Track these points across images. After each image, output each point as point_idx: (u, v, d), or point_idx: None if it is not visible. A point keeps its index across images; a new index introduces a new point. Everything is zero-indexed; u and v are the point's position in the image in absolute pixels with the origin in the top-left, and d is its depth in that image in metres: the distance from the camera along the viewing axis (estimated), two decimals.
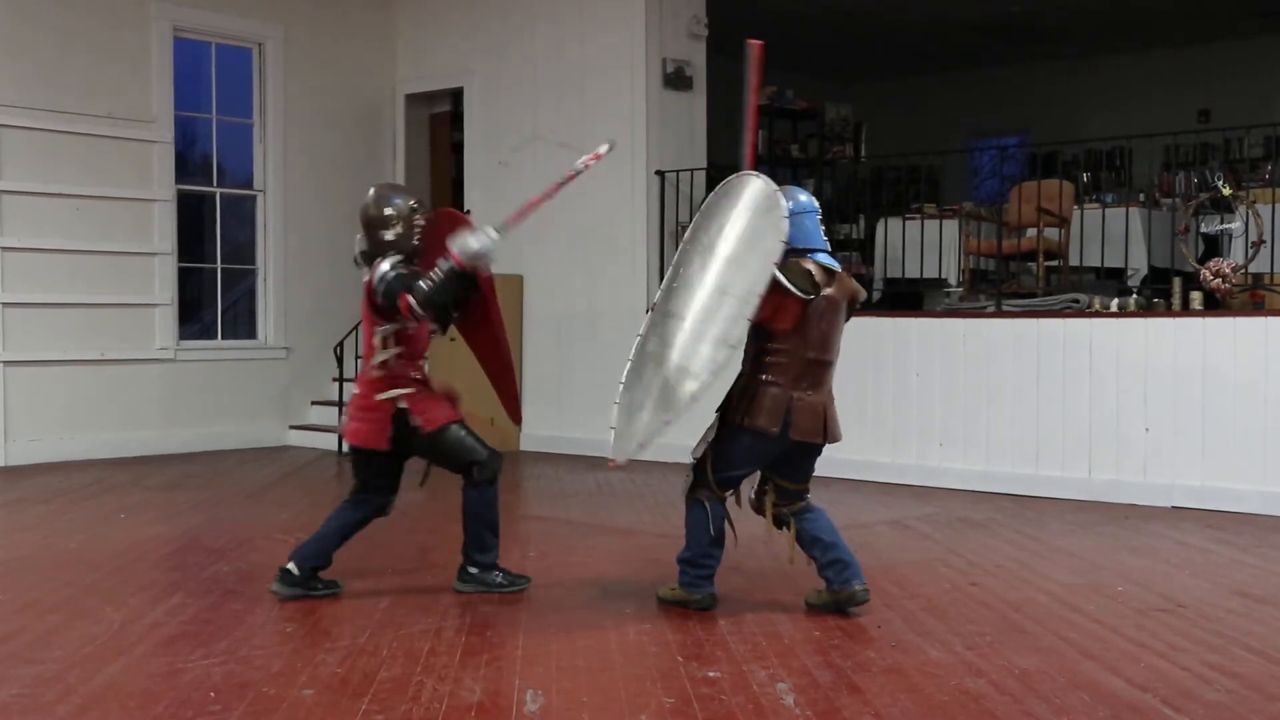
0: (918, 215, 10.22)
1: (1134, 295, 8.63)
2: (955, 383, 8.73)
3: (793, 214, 5.05)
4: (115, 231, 10.30)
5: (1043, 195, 9.44)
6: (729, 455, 5.22)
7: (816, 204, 5.27)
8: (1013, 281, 9.76)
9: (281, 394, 11.27)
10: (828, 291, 5.10)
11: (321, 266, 11.42)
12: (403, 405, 5.32)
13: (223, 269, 11.33)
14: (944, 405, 8.77)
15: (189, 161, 11.67)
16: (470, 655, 4.54)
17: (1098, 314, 8.36)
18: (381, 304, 5.24)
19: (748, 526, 7.30)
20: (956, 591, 5.61)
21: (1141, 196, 10.93)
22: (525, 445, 10.86)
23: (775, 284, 4.91)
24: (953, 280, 9.80)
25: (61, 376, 9.99)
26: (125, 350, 10.32)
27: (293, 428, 11.29)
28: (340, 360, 10.96)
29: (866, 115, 14.20)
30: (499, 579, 5.52)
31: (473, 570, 5.51)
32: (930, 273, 9.74)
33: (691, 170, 10.45)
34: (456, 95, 11.92)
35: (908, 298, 10.12)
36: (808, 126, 13.48)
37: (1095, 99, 15.11)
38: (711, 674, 4.32)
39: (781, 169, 12.69)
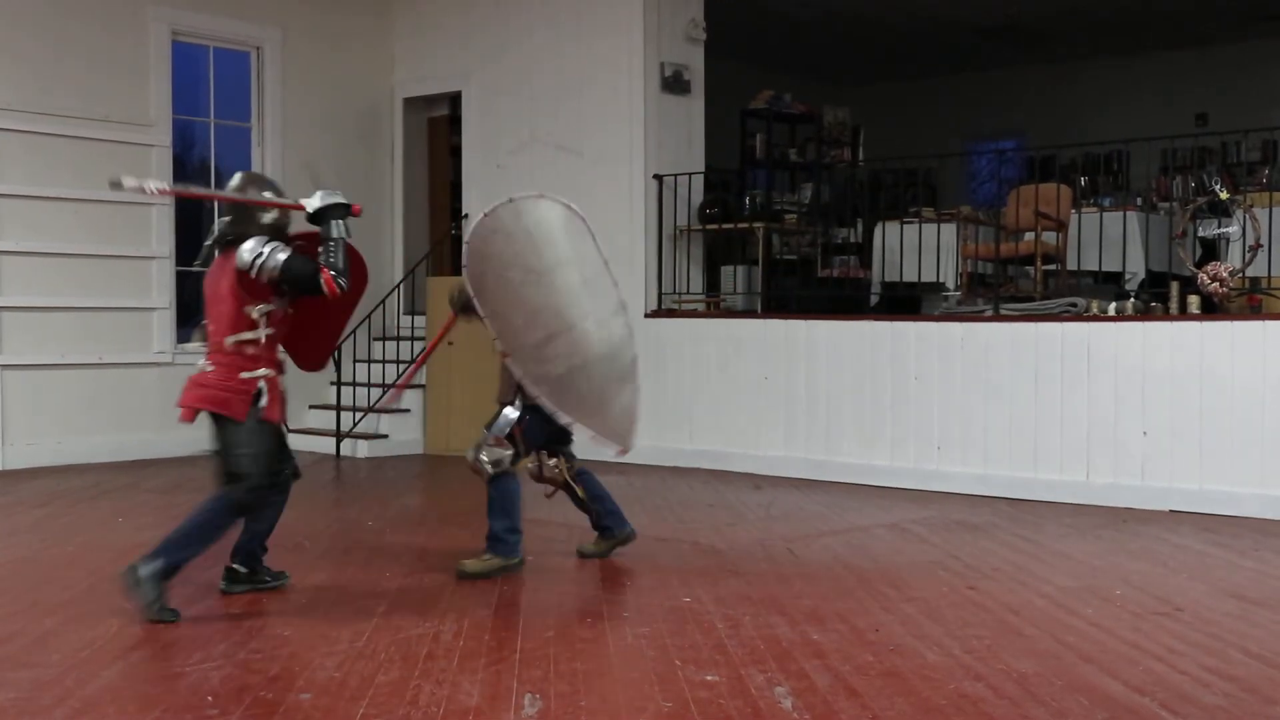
0: (915, 219, 10.22)
1: (1131, 299, 8.63)
2: (953, 386, 8.73)
3: None
4: (113, 235, 10.30)
5: (1040, 199, 9.44)
6: (532, 429, 5.96)
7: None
8: (1010, 285, 9.77)
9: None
10: None
11: None
12: (262, 386, 5.30)
13: None
14: (942, 409, 8.77)
15: (187, 165, 11.67)
16: (468, 659, 4.54)
17: (1095, 318, 8.37)
18: (280, 284, 5.22)
19: (746, 531, 7.31)
20: (954, 595, 5.61)
21: (1139, 200, 10.94)
22: None
23: None
24: (951, 284, 9.81)
25: (59, 380, 9.99)
26: (123, 354, 10.32)
27: (290, 431, 11.26)
28: (338, 364, 10.95)
29: (864, 119, 14.21)
30: (153, 596, 4.99)
31: (148, 570, 5.00)
32: (928, 276, 9.75)
33: (690, 174, 10.46)
34: (454, 99, 11.93)
35: (906, 301, 10.12)
36: (805, 130, 13.49)
37: (1093, 102, 15.14)
38: (709, 678, 4.32)
39: (779, 172, 12.70)
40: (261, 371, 5.34)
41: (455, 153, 11.97)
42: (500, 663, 4.51)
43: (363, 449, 10.77)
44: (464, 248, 5.63)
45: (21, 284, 9.83)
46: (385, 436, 10.89)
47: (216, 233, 5.43)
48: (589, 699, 4.11)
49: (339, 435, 10.82)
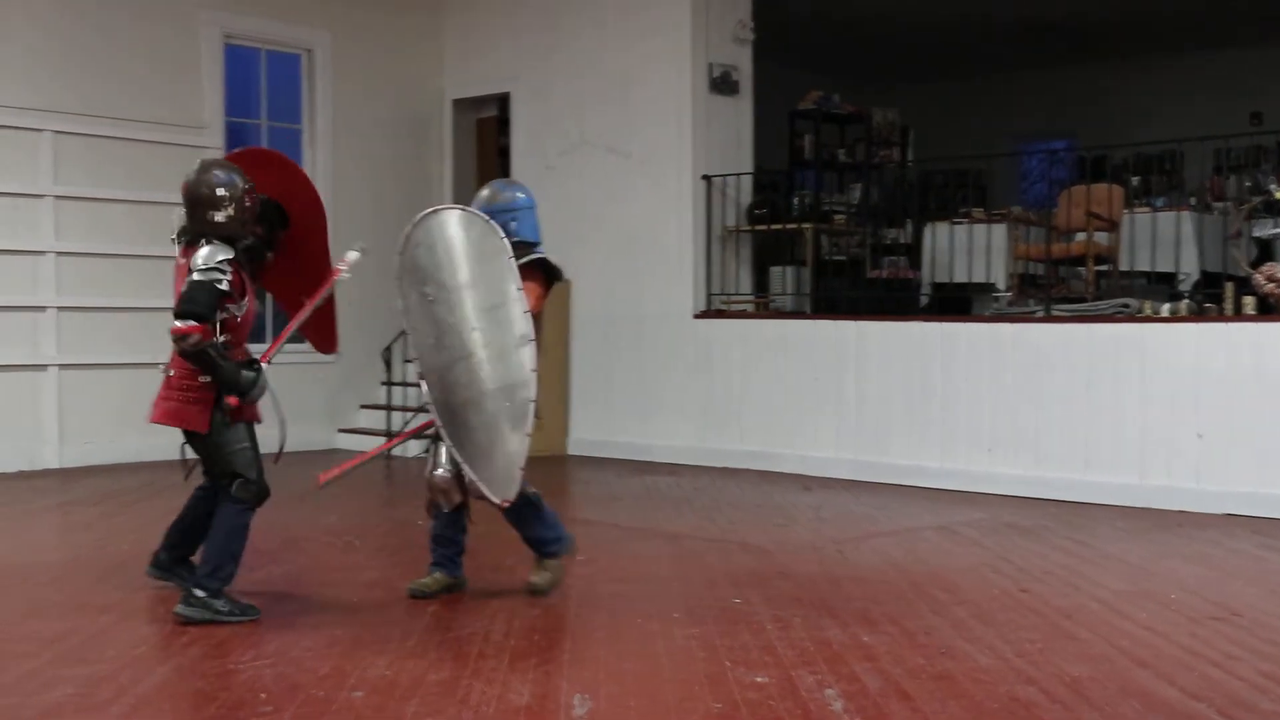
0: (966, 220, 10.16)
1: (1185, 300, 8.53)
2: (1004, 387, 8.66)
3: (523, 208, 5.59)
4: (167, 236, 10.35)
5: (1092, 199, 9.36)
6: None
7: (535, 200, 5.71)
8: (1062, 286, 9.68)
9: (330, 397, 11.34)
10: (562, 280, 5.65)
11: (370, 271, 11.45)
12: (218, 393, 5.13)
13: None
14: (993, 410, 8.70)
15: None
16: (518, 659, 4.55)
17: (1149, 319, 8.28)
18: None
19: (796, 532, 7.29)
20: (1006, 598, 5.57)
21: (1193, 200, 10.81)
22: (573, 449, 10.89)
23: (543, 269, 5.47)
24: (1001, 285, 9.74)
25: (115, 379, 10.09)
26: None
27: (341, 431, 11.37)
28: (389, 364, 11.03)
29: (913, 119, 14.14)
30: (223, 607, 5.06)
31: (200, 594, 5.06)
32: (978, 277, 9.68)
33: (738, 174, 10.44)
34: (503, 100, 11.97)
35: (956, 302, 10.05)
36: (854, 130, 13.45)
37: (1145, 102, 14.97)
38: (759, 679, 4.31)
39: (828, 173, 12.66)
40: None
41: (504, 154, 12.00)
42: (550, 663, 4.52)
43: (413, 448, 10.82)
44: (396, 259, 5.37)
45: (79, 284, 9.95)
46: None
47: (176, 226, 5.28)
48: (639, 700, 4.11)
49: (390, 435, 10.88)
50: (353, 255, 5.51)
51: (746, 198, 10.63)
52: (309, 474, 9.48)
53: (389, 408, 10.95)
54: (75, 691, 4.17)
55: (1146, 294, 8.85)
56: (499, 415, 5.23)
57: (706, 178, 10.37)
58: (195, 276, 5.03)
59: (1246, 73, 14.43)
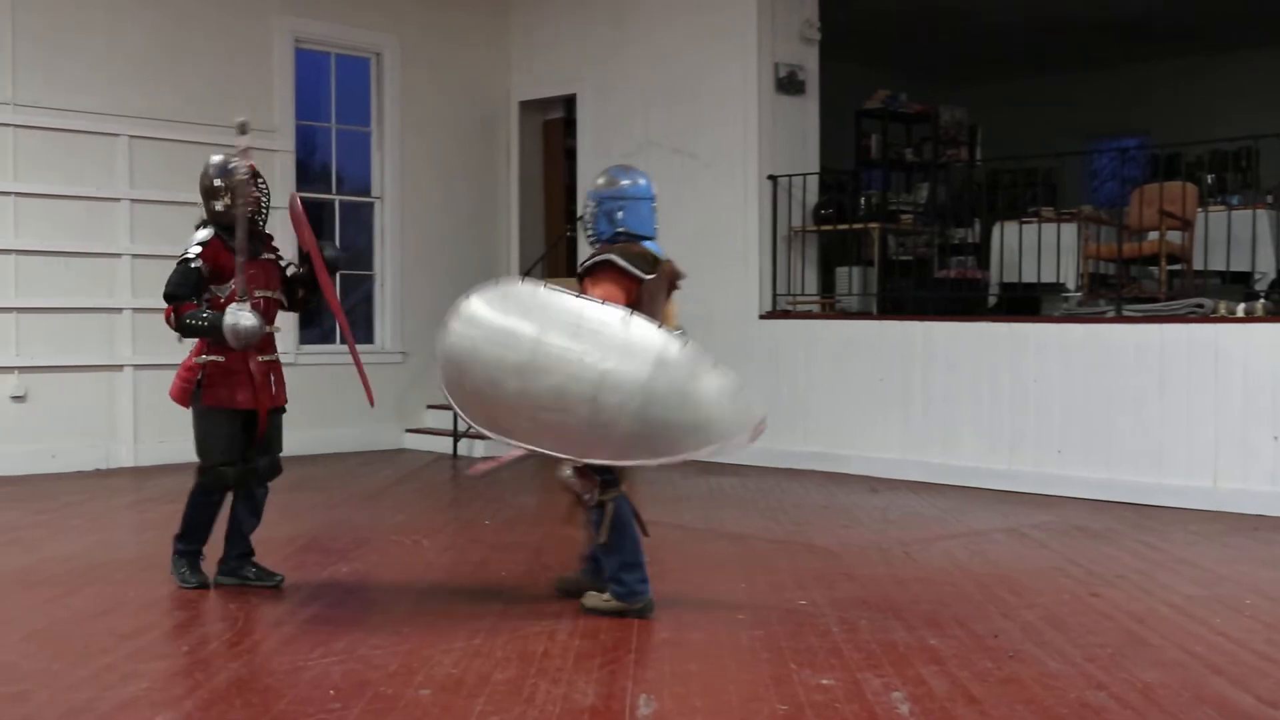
0: (1035, 219, 10.05)
1: (1261, 300, 8.39)
2: (1074, 389, 8.56)
3: (633, 198, 5.38)
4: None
5: (1165, 198, 9.22)
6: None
7: (654, 191, 5.47)
8: (1133, 286, 9.56)
9: (398, 398, 11.44)
10: (651, 276, 5.28)
11: (438, 271, 11.58)
12: (202, 372, 5.68)
13: (341, 274, 11.53)
14: (1063, 412, 8.61)
15: (309, 169, 11.94)
16: (584, 659, 4.57)
17: (1223, 319, 8.14)
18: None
19: (862, 534, 7.25)
20: (1076, 602, 5.50)
21: (1269, 198, 10.62)
22: None
23: (614, 266, 5.19)
24: (1071, 285, 9.63)
25: None
26: None
27: (408, 431, 11.46)
28: None
29: (981, 117, 14.00)
30: (174, 567, 5.74)
31: (172, 556, 5.77)
32: (1048, 277, 9.58)
33: (804, 175, 10.41)
34: (569, 102, 12.02)
35: (1025, 303, 9.95)
36: (921, 129, 13.35)
37: (1219, 98, 14.72)
38: (825, 681, 4.30)
39: (895, 172, 12.59)
40: (205, 357, 5.67)
41: (570, 155, 12.06)
42: (615, 663, 4.53)
43: (479, 448, 10.90)
44: (456, 410, 5.17)
45: (153, 286, 10.07)
46: None
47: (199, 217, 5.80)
48: (704, 700, 4.11)
49: (455, 434, 10.96)
50: (240, 145, 5.58)
51: (812, 198, 10.60)
52: (376, 475, 9.64)
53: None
54: (150, 686, 4.24)
55: (1221, 294, 8.72)
56: (678, 382, 4.88)
57: (772, 178, 10.35)
58: (176, 271, 5.66)
59: None
